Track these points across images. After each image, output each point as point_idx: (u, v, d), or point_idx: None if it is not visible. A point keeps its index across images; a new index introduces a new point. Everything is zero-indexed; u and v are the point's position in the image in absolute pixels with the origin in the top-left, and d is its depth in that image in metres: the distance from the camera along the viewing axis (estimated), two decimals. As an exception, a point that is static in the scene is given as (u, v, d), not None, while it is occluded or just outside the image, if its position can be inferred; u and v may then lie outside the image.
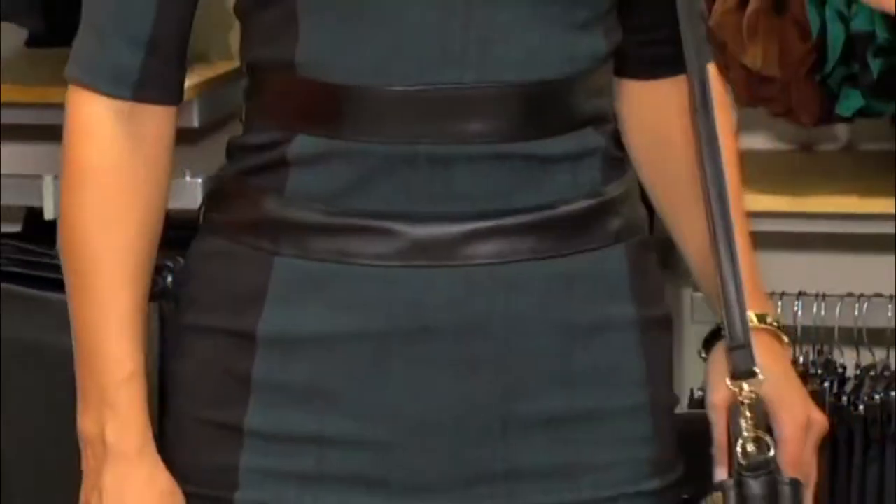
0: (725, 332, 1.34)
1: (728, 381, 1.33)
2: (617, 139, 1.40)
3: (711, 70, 1.45)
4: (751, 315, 1.35)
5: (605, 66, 1.38)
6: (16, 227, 2.54)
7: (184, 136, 2.51)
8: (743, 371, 1.30)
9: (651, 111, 1.46)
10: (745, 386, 1.32)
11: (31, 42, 2.46)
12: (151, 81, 1.30)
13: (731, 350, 1.29)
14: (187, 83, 2.19)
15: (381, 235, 1.23)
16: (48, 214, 2.31)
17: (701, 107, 1.38)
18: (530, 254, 1.26)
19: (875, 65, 2.29)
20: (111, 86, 1.28)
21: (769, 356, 1.35)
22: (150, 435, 1.25)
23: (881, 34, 2.32)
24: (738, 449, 1.33)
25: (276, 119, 1.28)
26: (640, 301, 1.33)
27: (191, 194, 2.18)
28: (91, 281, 1.29)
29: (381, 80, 1.26)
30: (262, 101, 1.29)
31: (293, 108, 1.29)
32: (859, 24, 2.32)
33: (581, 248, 1.30)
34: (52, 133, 2.26)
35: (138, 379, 1.25)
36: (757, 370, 1.32)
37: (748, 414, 1.33)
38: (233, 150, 1.29)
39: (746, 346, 1.31)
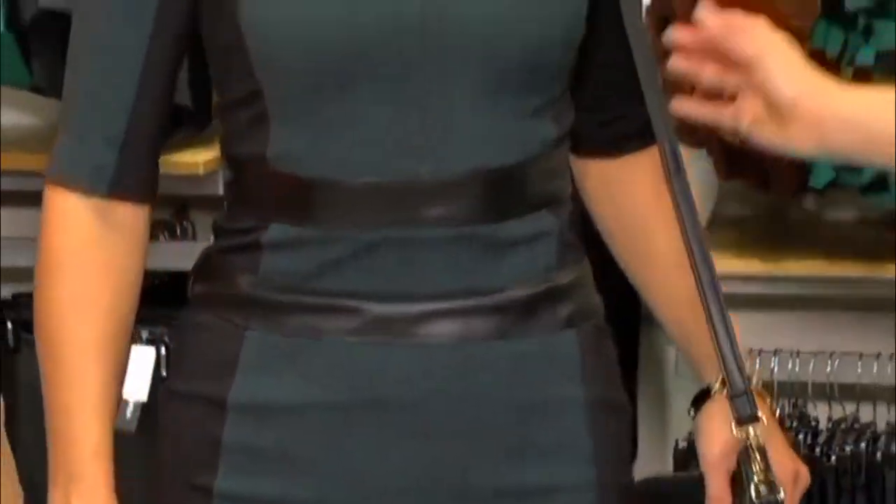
0: (718, 385, 1.45)
1: (734, 428, 1.40)
2: (573, 222, 1.48)
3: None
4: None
5: (559, 149, 1.46)
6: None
7: (209, 204, 2.60)
8: (747, 416, 1.38)
9: (619, 185, 1.55)
10: (752, 430, 1.39)
11: None
12: (126, 179, 1.40)
13: (732, 398, 1.37)
14: (212, 155, 2.39)
15: (346, 313, 1.32)
16: None
17: (675, 172, 1.44)
18: (485, 334, 1.34)
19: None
20: (87, 182, 1.38)
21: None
22: None
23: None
24: (752, 491, 1.41)
25: (252, 207, 1.37)
26: (592, 384, 1.39)
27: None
28: (61, 364, 1.38)
29: (347, 172, 1.35)
30: (239, 189, 1.37)
31: (267, 198, 1.38)
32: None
33: (533, 331, 1.38)
34: None
35: (104, 454, 1.32)
36: (760, 414, 1.40)
37: (757, 457, 1.41)
38: (217, 230, 1.39)
39: (748, 394, 1.38)
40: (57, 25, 2.34)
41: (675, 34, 1.29)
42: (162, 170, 2.20)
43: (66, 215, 1.38)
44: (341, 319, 1.32)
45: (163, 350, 2.39)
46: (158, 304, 2.15)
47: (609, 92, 1.53)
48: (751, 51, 1.24)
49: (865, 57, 2.42)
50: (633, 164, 1.52)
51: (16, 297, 2.67)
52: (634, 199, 1.55)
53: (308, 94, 1.36)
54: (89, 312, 1.37)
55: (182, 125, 2.44)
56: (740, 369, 1.38)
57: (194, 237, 2.74)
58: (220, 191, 2.34)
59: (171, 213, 2.75)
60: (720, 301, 1.41)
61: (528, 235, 1.39)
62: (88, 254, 1.37)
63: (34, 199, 1.53)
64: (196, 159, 2.44)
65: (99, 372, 1.35)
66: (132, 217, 1.38)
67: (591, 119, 1.49)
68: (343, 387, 1.29)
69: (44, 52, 2.46)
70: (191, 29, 1.40)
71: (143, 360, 2.39)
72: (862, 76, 2.41)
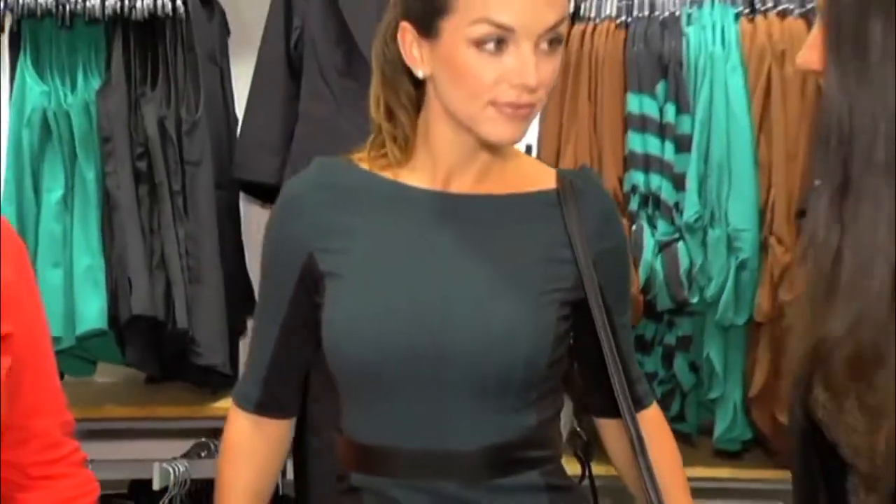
0: None
1: None
2: (561, 472, 1.81)
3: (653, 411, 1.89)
4: None
5: (542, 429, 1.77)
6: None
7: None
8: None
9: (617, 434, 1.84)
10: None
11: (149, 380, 3.05)
12: (267, 404, 1.81)
13: None
14: None
15: None
16: (155, 486, 2.80)
17: (638, 447, 1.72)
18: None
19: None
20: (243, 404, 1.81)
21: None
22: None
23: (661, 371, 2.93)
24: None
25: (341, 461, 1.75)
26: None
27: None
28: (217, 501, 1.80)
29: (394, 442, 1.70)
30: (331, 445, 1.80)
31: (347, 457, 1.75)
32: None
33: None
34: (159, 434, 3.05)
35: None
36: None
37: None
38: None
39: None
40: (146, 323, 2.80)
41: None
42: (205, 411, 2.81)
43: (234, 420, 1.83)
44: None
45: None
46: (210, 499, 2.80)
47: (591, 375, 1.85)
48: None
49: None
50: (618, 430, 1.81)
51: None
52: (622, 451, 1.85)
53: (361, 392, 1.73)
54: (237, 484, 1.82)
55: (219, 386, 2.97)
56: None
57: (215, 453, 2.95)
58: None
59: (212, 442, 3.09)
60: None
61: (522, 487, 1.75)
62: (243, 446, 1.82)
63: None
64: (229, 404, 2.51)
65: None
66: (275, 426, 1.83)
67: (593, 394, 1.85)
68: None
69: (134, 341, 2.83)
70: (310, 322, 1.76)
71: None
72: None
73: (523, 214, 1.76)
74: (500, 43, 1.59)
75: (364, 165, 1.74)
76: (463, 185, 1.74)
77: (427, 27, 1.63)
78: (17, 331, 1.52)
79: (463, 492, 1.70)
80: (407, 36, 1.65)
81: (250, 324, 2.90)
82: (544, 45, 1.62)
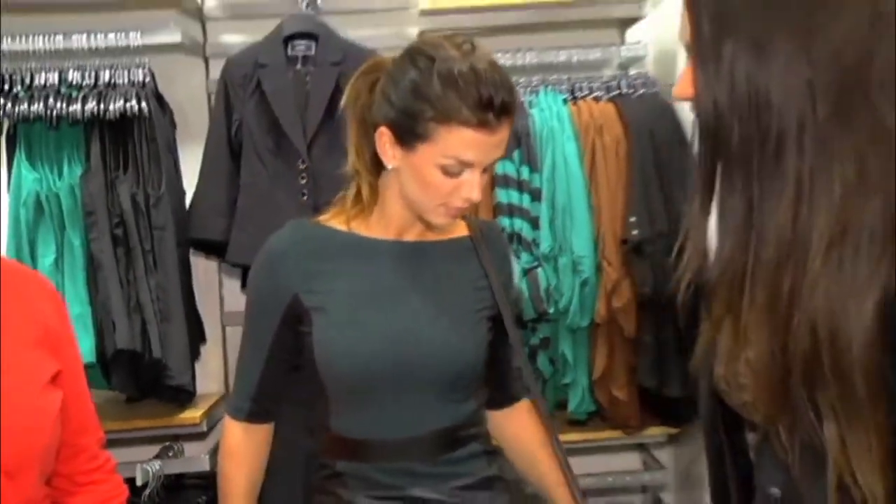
0: None
1: None
2: (490, 440, 1.86)
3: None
4: None
5: (477, 413, 1.83)
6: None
7: (196, 437, 3.02)
8: None
9: (507, 422, 1.95)
10: None
11: (129, 400, 2.94)
12: (255, 413, 1.81)
13: None
14: (200, 412, 2.79)
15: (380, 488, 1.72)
16: (138, 482, 2.71)
17: (546, 418, 1.87)
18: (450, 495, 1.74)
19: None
20: (236, 416, 1.81)
21: None
22: None
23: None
24: None
25: (327, 453, 1.77)
26: None
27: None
28: (224, 502, 1.84)
29: (373, 435, 1.73)
30: (320, 441, 1.77)
31: (334, 449, 1.76)
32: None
33: (477, 500, 1.77)
34: (138, 441, 2.96)
35: None
36: None
37: None
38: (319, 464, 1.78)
39: None
40: (127, 356, 2.75)
41: None
42: (172, 421, 2.72)
43: (230, 429, 1.83)
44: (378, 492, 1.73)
45: None
46: (184, 490, 2.91)
47: (498, 372, 1.89)
48: None
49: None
50: (513, 411, 1.95)
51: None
52: (517, 430, 1.95)
53: (348, 397, 1.74)
54: (238, 478, 1.83)
55: (185, 400, 2.91)
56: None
57: (183, 453, 3.05)
58: (205, 428, 2.91)
59: (176, 445, 3.05)
60: (577, 488, 1.84)
61: (468, 455, 1.79)
62: (239, 448, 1.82)
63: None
64: (195, 415, 2.86)
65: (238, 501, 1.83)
66: (262, 430, 1.83)
67: (492, 388, 1.89)
68: None
69: (118, 370, 2.78)
70: (292, 348, 1.75)
71: None
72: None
73: (453, 254, 1.81)
74: (459, 171, 1.63)
75: (328, 224, 1.76)
76: (410, 236, 1.77)
77: (406, 143, 1.65)
78: (64, 368, 1.52)
79: (426, 466, 1.75)
80: (384, 138, 1.66)
81: (203, 350, 3.03)
82: (484, 169, 1.67)
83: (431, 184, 1.63)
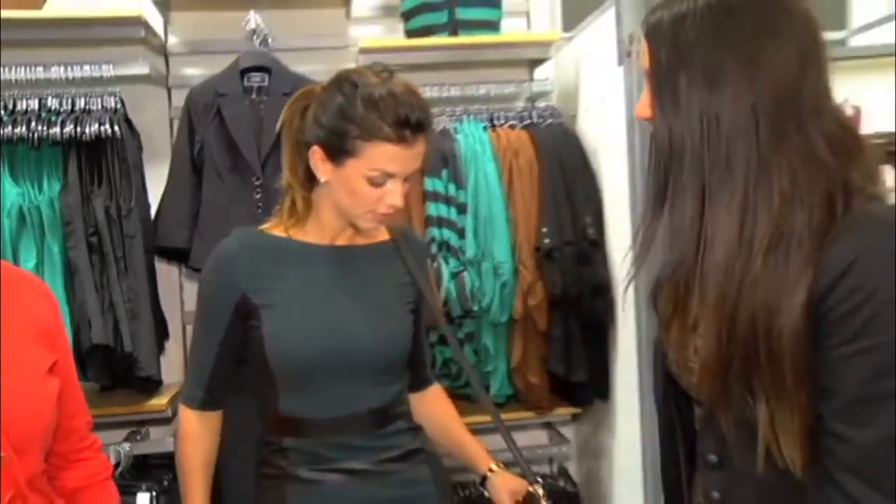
0: (496, 468, 1.86)
1: (531, 489, 1.81)
2: (412, 418, 1.87)
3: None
4: (496, 464, 1.90)
5: (403, 393, 1.86)
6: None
7: (162, 422, 3.02)
8: (530, 481, 1.84)
9: (422, 403, 1.97)
10: (530, 488, 1.83)
11: (102, 389, 2.86)
12: (208, 401, 1.82)
13: (525, 476, 1.84)
14: (166, 400, 2.80)
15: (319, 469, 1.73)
16: (111, 461, 2.18)
17: (495, 414, 1.89)
18: (384, 477, 1.76)
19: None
20: (191, 403, 1.83)
21: (510, 477, 1.88)
22: None
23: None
24: None
25: (274, 431, 1.77)
26: (437, 477, 1.83)
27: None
28: (184, 479, 1.83)
29: (317, 414, 1.73)
30: (265, 421, 1.78)
31: (280, 427, 1.76)
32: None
33: (404, 473, 1.78)
34: (110, 426, 2.92)
35: None
36: (539, 480, 1.83)
37: (542, 492, 1.83)
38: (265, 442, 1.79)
39: (527, 475, 1.84)
40: (101, 351, 2.72)
41: None
42: (141, 408, 2.72)
43: (186, 416, 1.85)
44: (318, 473, 1.73)
45: (154, 493, 2.73)
46: (151, 469, 2.91)
47: (418, 362, 1.93)
48: None
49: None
50: (425, 393, 1.99)
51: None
52: (431, 409, 1.98)
53: (294, 382, 1.75)
54: (195, 460, 1.84)
55: (152, 389, 2.90)
56: (526, 465, 1.87)
57: (149, 436, 3.04)
58: (169, 414, 2.89)
59: (143, 429, 3.04)
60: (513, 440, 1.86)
61: (394, 431, 1.81)
62: (195, 433, 1.84)
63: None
64: (161, 402, 2.86)
65: (203, 486, 1.83)
66: (214, 416, 1.84)
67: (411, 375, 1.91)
68: None
69: (93, 363, 2.74)
70: (241, 341, 1.76)
71: (142, 503, 2.71)
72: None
73: (379, 256, 1.85)
74: (382, 182, 1.68)
75: (270, 231, 1.79)
76: (341, 241, 1.81)
77: (336, 159, 1.69)
78: (59, 359, 1.53)
79: (362, 440, 1.78)
80: (316, 155, 1.70)
81: (168, 345, 3.06)
82: (406, 178, 1.72)
83: (359, 193, 1.67)
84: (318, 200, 1.77)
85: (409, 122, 1.62)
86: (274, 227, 1.79)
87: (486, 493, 1.90)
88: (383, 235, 1.87)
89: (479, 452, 1.93)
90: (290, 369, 1.72)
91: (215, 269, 1.77)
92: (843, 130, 1.16)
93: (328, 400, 1.74)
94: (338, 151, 1.67)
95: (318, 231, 1.78)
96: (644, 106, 1.21)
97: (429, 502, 1.83)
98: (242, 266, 1.73)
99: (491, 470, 1.90)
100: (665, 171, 1.17)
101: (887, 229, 1.10)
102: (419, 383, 1.98)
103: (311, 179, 1.76)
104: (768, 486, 1.18)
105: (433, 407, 1.99)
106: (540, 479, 1.85)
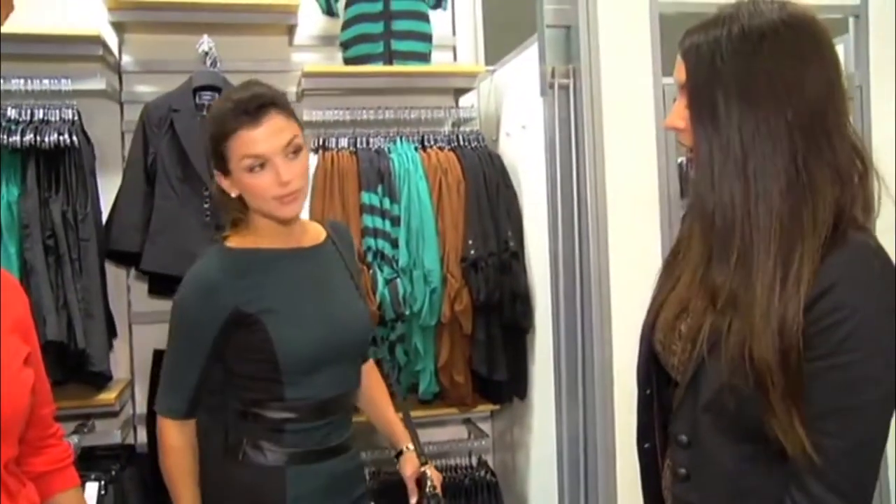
0: (408, 448, 1.95)
1: (422, 469, 1.92)
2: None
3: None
4: (410, 446, 1.98)
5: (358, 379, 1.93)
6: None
7: (109, 415, 2.99)
8: (423, 462, 1.94)
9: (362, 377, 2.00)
10: (425, 470, 1.93)
11: (55, 383, 2.23)
12: (190, 412, 1.80)
13: (419, 457, 1.97)
14: (115, 394, 2.84)
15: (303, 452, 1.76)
16: None
17: (397, 392, 2.14)
18: (345, 452, 1.84)
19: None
20: (171, 415, 1.80)
21: (413, 458, 1.96)
22: None
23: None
24: (427, 487, 1.90)
25: (277, 417, 1.77)
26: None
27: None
28: (175, 488, 1.80)
29: (315, 398, 1.77)
30: (261, 408, 1.79)
31: (284, 412, 1.76)
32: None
33: (354, 459, 1.88)
34: (61, 419, 2.96)
35: None
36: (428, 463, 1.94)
37: (430, 474, 1.94)
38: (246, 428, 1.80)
39: (421, 456, 1.96)
40: (54, 346, 2.71)
41: None
42: (90, 402, 2.74)
43: (168, 429, 1.82)
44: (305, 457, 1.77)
45: (103, 483, 2.72)
46: (98, 460, 2.91)
47: None
48: None
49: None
50: (365, 368, 2.03)
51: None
52: (367, 385, 2.04)
53: (298, 371, 1.78)
54: (183, 468, 1.81)
55: (102, 384, 2.94)
56: (420, 447, 1.99)
57: (95, 429, 3.06)
58: (117, 408, 2.96)
59: (90, 422, 3.06)
60: (411, 423, 2.01)
61: (349, 421, 1.90)
62: (178, 444, 1.81)
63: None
64: (110, 397, 2.90)
65: (191, 491, 1.81)
66: (191, 425, 1.83)
67: None
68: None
69: (47, 358, 2.14)
70: (241, 347, 1.75)
71: (91, 492, 2.66)
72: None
73: (328, 253, 1.90)
74: (262, 166, 1.71)
75: (237, 247, 1.81)
76: (293, 243, 1.84)
77: (225, 171, 1.77)
78: (32, 350, 1.53)
79: (342, 418, 1.87)
80: (219, 179, 1.79)
81: (115, 343, 3.07)
82: (290, 155, 1.72)
83: (253, 185, 1.71)
84: (252, 213, 1.82)
85: (246, 105, 1.68)
86: (234, 242, 1.82)
87: (397, 466, 2.02)
88: (323, 233, 1.92)
89: (400, 431, 2.02)
90: (297, 361, 1.75)
91: (199, 294, 1.75)
92: (857, 153, 1.20)
93: (325, 382, 1.79)
94: (222, 164, 1.74)
95: (272, 234, 1.81)
96: (675, 117, 1.25)
97: (361, 471, 1.94)
98: (229, 287, 1.74)
99: (407, 448, 1.99)
100: (710, 173, 1.19)
101: (870, 256, 1.15)
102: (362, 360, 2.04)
103: (241, 198, 1.81)
104: (733, 467, 1.23)
105: (367, 382, 2.05)
106: (427, 462, 1.97)
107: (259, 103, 1.68)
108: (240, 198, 1.79)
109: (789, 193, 1.16)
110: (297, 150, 1.73)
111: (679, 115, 1.24)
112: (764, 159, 1.16)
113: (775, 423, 1.15)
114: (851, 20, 2.87)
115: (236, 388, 1.79)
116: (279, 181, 1.68)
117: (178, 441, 1.80)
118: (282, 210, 1.74)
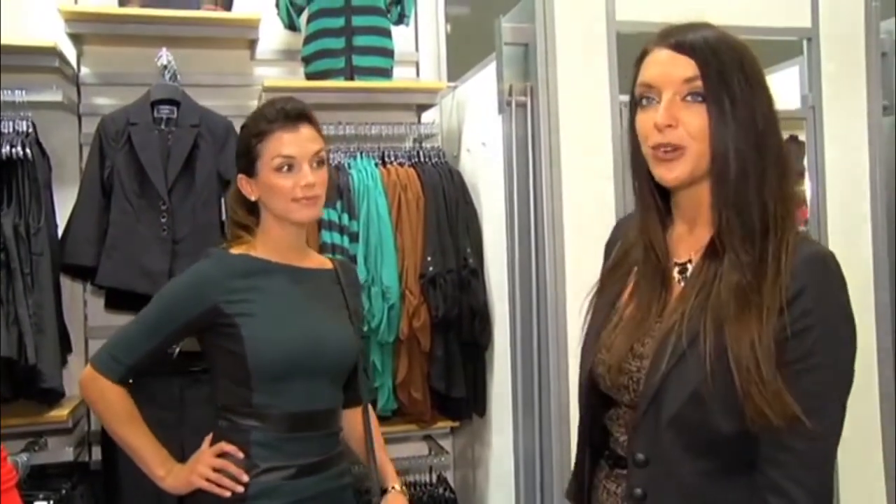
0: (398, 487, 1.99)
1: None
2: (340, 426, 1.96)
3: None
4: (398, 485, 2.03)
5: (340, 402, 1.97)
6: None
7: (61, 432, 2.91)
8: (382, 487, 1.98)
9: (356, 414, 2.07)
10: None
11: (3, 400, 2.76)
12: (125, 379, 1.87)
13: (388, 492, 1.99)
14: (67, 411, 2.74)
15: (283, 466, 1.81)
16: None
17: (367, 420, 2.05)
18: (322, 471, 1.86)
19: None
20: (109, 376, 1.86)
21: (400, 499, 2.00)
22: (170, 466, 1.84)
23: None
24: None
25: (247, 426, 1.82)
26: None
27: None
28: (118, 430, 1.87)
29: (288, 408, 1.82)
30: (233, 414, 1.85)
31: (252, 421, 1.81)
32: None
33: (341, 470, 1.91)
34: (10, 437, 2.82)
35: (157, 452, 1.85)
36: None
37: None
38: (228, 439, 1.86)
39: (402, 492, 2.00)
40: (4, 362, 2.68)
41: None
42: (42, 419, 2.67)
43: (96, 381, 1.88)
44: (287, 472, 1.82)
45: (52, 502, 2.66)
46: (49, 479, 2.84)
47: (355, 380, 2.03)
48: None
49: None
50: (350, 412, 2.07)
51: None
52: (350, 422, 2.07)
53: (270, 380, 1.83)
54: (119, 406, 1.87)
55: (54, 401, 2.86)
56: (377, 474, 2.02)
57: (47, 447, 2.98)
58: (70, 425, 2.85)
59: (41, 440, 2.96)
60: (384, 458, 2.03)
61: (335, 432, 1.94)
62: (105, 393, 1.88)
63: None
64: (62, 413, 2.81)
65: (139, 426, 1.88)
66: (114, 391, 1.88)
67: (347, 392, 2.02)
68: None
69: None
70: (218, 344, 1.82)
71: None
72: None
73: (325, 278, 1.97)
74: (290, 168, 1.82)
75: (239, 253, 1.89)
76: (295, 261, 1.92)
77: (252, 171, 1.87)
78: None
79: (320, 435, 1.89)
80: (242, 181, 1.89)
81: (71, 358, 3.00)
82: (315, 164, 1.85)
83: (276, 186, 1.82)
84: (264, 222, 1.90)
85: (287, 112, 1.83)
86: (237, 249, 1.91)
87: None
88: (327, 264, 2.00)
89: (390, 472, 2.06)
90: (268, 368, 1.80)
91: (194, 281, 1.85)
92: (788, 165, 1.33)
93: (295, 395, 1.82)
94: (250, 164, 1.85)
95: (274, 250, 1.89)
96: (671, 112, 1.28)
97: (348, 491, 1.95)
98: (218, 284, 1.83)
99: (393, 488, 2.02)
100: (727, 150, 1.26)
101: (831, 264, 1.22)
102: (356, 401, 2.07)
103: (249, 210, 1.92)
104: (693, 482, 1.24)
105: (357, 426, 2.09)
106: (396, 487, 2.00)
107: (298, 113, 1.83)
108: (250, 208, 1.89)
109: (785, 180, 1.28)
110: (321, 162, 1.86)
111: (675, 108, 1.28)
112: (776, 134, 1.26)
113: (759, 399, 1.16)
114: (805, 43, 2.91)
115: (217, 391, 1.87)
116: (303, 185, 1.80)
117: (104, 392, 1.83)
118: (300, 212, 1.83)
